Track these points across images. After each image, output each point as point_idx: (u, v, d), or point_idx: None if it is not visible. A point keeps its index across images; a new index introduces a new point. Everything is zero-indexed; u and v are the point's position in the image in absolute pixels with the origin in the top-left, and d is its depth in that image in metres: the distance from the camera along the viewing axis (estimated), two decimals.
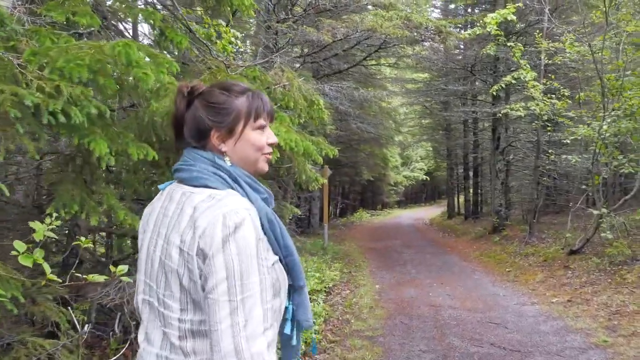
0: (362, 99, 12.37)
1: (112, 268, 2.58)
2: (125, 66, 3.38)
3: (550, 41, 11.43)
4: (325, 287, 8.14)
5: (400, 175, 43.17)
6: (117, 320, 3.78)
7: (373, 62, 14.79)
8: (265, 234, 1.30)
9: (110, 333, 3.83)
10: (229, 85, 1.39)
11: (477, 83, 18.30)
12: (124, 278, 2.65)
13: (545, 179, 13.85)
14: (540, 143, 13.40)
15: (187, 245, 1.21)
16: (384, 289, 9.18)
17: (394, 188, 44.56)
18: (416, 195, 55.71)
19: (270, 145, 1.41)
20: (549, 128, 12.77)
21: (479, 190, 24.27)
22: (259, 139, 1.38)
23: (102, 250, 6.36)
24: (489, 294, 8.60)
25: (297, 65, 11.47)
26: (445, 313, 7.33)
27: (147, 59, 3.43)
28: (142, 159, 3.62)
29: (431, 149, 38.19)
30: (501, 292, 8.65)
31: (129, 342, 3.57)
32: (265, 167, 1.42)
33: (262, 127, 1.38)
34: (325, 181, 14.63)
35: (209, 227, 1.19)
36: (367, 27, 9.96)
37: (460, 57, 17.51)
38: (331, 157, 5.89)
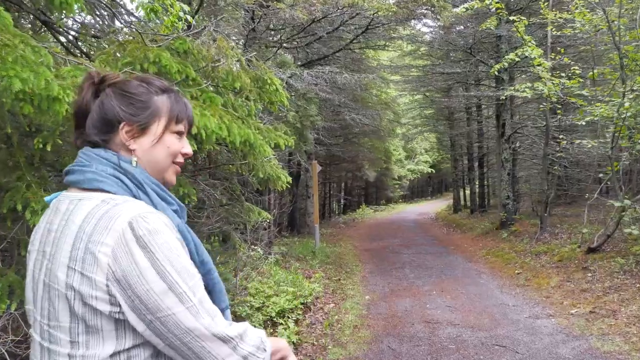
0: (346, 85, 11.11)
1: None
2: None
3: (557, 11, 10.11)
4: (300, 304, 6.91)
5: (405, 169, 42.12)
6: None
7: (360, 45, 13.46)
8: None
9: None
10: (149, 78, 1.27)
11: (479, 67, 16.96)
12: None
13: (556, 167, 12.55)
14: (549, 128, 12.08)
15: (81, 263, 1.04)
16: (375, 301, 7.95)
17: (399, 182, 43.51)
18: (422, 189, 54.69)
19: (184, 155, 1.28)
20: (558, 111, 11.47)
21: (485, 182, 23.02)
22: (175, 144, 1.25)
23: None
24: (496, 304, 7.35)
25: (276, 49, 10.24)
26: (444, 332, 6.10)
27: None
28: None
29: (435, 140, 36.97)
30: (510, 302, 7.41)
31: None
32: (173, 180, 1.27)
33: (179, 133, 1.26)
34: (315, 178, 13.43)
35: (119, 247, 1.03)
36: (348, 1, 8.70)
37: (459, 38, 16.17)
38: (283, 148, 4.69)
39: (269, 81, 4.92)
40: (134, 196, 1.15)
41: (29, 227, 2.89)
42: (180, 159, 1.27)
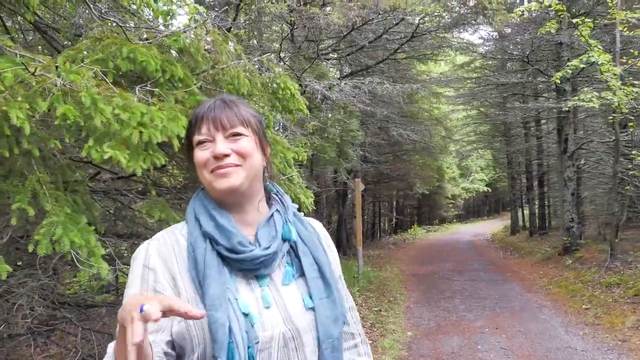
0: (388, 96, 10.24)
1: None
2: None
3: (628, 10, 8.97)
4: None
5: (459, 187, 40.71)
6: None
7: (406, 55, 12.59)
8: (190, 269, 1.16)
9: None
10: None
11: (537, 78, 15.71)
12: None
13: (627, 187, 11.20)
14: (619, 143, 10.81)
15: None
16: (418, 338, 7.00)
17: (453, 201, 42.03)
18: (478, 208, 52.80)
19: (217, 157, 1.18)
20: (630, 124, 10.23)
21: (546, 202, 21.48)
22: (198, 156, 1.21)
23: None
24: (561, 347, 6.26)
25: (313, 60, 9.56)
26: None
27: None
28: None
29: (491, 157, 35.42)
30: (578, 345, 6.30)
31: None
32: (220, 185, 1.18)
33: (202, 143, 1.21)
34: (358, 197, 12.58)
35: None
36: (389, 4, 7.92)
37: (514, 46, 15.03)
38: (291, 161, 3.90)
39: (282, 85, 4.18)
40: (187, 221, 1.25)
41: None
42: (214, 164, 1.19)
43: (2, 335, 2.91)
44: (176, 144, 2.63)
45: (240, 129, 1.21)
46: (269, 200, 1.31)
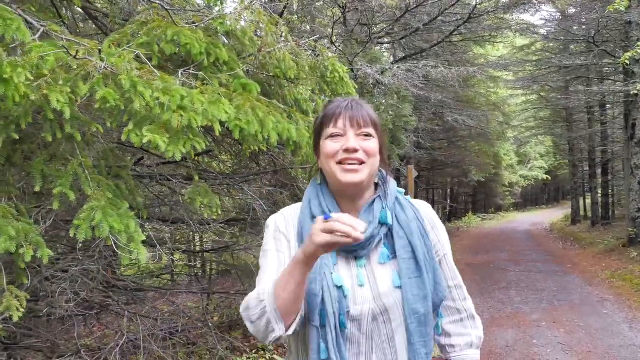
0: (442, 80, 9.91)
1: None
2: None
3: None
4: None
5: (517, 175, 39.43)
6: None
7: (462, 37, 12.14)
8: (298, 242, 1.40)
9: None
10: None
11: (603, 60, 14.88)
12: None
13: None
14: None
15: None
16: None
17: (510, 189, 40.81)
18: (536, 196, 51.20)
19: (346, 151, 1.35)
20: None
21: (610, 191, 20.45)
22: (328, 147, 1.37)
23: None
24: (624, 344, 5.92)
25: (365, 44, 9.36)
26: None
27: None
28: None
29: (551, 144, 34.06)
30: None
31: None
32: (345, 178, 1.35)
33: (333, 136, 1.37)
34: (410, 184, 12.34)
35: None
36: None
37: (579, 26, 14.26)
38: None
39: (330, 68, 4.06)
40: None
41: None
42: (341, 156, 1.34)
43: (48, 316, 2.96)
44: (217, 128, 2.56)
45: (370, 130, 1.38)
46: (376, 187, 1.46)
